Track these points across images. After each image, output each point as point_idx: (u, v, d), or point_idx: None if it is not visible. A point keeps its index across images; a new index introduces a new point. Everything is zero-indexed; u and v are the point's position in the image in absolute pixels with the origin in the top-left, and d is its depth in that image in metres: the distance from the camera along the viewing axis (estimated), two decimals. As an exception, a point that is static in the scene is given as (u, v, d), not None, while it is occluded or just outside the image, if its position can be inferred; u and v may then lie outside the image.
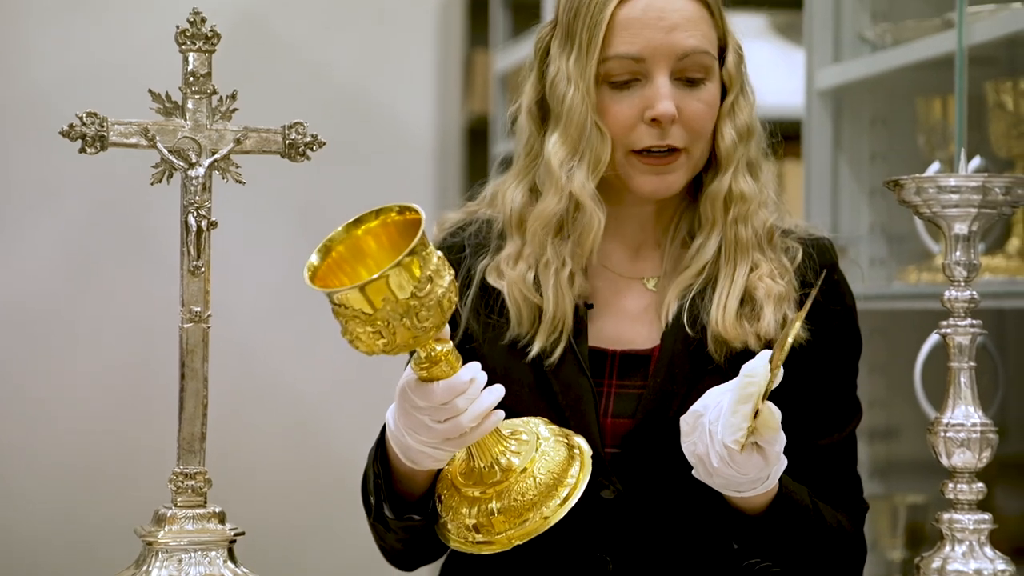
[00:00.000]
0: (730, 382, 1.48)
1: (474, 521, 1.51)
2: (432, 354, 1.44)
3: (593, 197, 1.65)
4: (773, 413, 1.45)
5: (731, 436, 1.44)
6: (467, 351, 1.64)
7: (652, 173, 1.65)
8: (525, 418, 1.58)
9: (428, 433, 1.48)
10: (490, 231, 1.73)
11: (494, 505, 1.50)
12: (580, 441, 1.55)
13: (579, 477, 1.51)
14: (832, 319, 1.68)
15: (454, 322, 1.68)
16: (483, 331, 1.67)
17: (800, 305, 1.63)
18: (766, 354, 1.46)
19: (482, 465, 1.51)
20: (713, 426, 1.46)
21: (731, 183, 1.66)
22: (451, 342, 1.46)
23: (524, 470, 1.50)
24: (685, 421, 1.50)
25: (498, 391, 1.48)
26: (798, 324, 1.46)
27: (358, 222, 1.45)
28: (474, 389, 1.46)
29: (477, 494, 1.51)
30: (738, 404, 1.44)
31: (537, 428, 1.55)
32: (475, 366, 1.48)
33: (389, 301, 1.37)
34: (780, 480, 1.54)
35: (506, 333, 1.66)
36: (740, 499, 1.54)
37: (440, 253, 1.42)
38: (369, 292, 1.36)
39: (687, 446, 1.50)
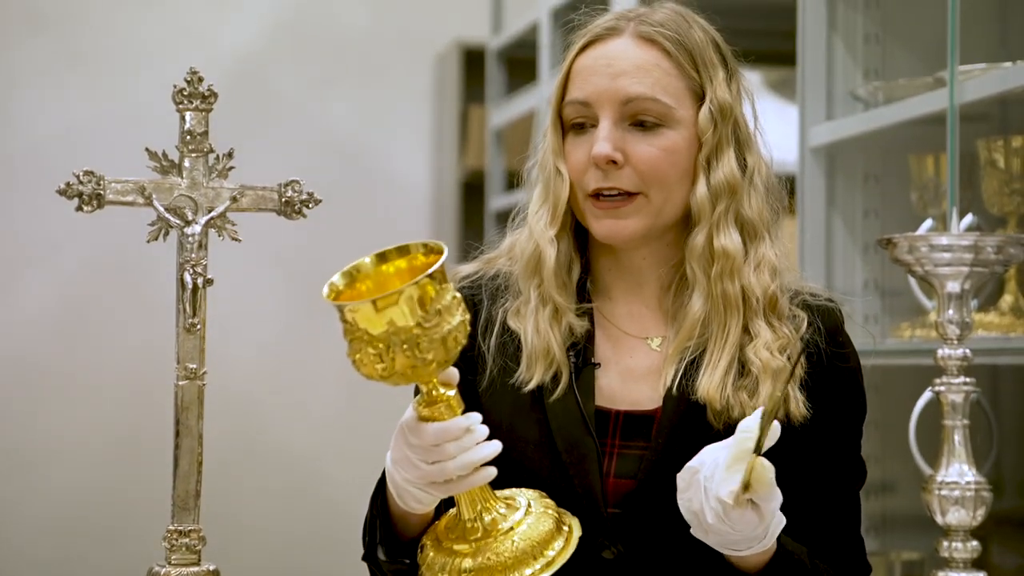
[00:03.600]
0: (727, 439, 1.48)
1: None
2: (433, 393, 1.44)
3: (550, 241, 1.68)
4: (767, 468, 1.44)
5: (725, 489, 1.43)
6: (480, 402, 1.65)
7: (606, 217, 1.66)
8: (525, 489, 1.57)
9: (414, 472, 1.47)
10: (510, 278, 1.74)
11: (467, 563, 1.48)
12: (573, 522, 1.54)
13: (559, 553, 1.49)
14: (836, 381, 1.68)
15: (474, 366, 1.69)
16: (499, 375, 1.68)
17: (797, 371, 1.62)
18: (759, 411, 1.46)
19: (467, 518, 1.50)
20: (708, 482, 1.45)
21: (711, 238, 1.66)
22: (455, 389, 1.46)
23: (506, 532, 1.49)
24: (681, 478, 1.49)
25: (493, 447, 1.47)
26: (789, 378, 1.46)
27: (383, 257, 1.45)
28: (468, 439, 1.45)
29: (455, 548, 1.50)
30: (734, 459, 1.44)
31: (532, 499, 1.54)
32: (476, 417, 1.47)
33: (393, 324, 1.36)
34: (778, 539, 1.53)
35: (515, 374, 1.67)
36: (737, 558, 1.53)
37: (458, 294, 1.42)
38: (379, 306, 1.36)
39: (683, 503, 1.49)
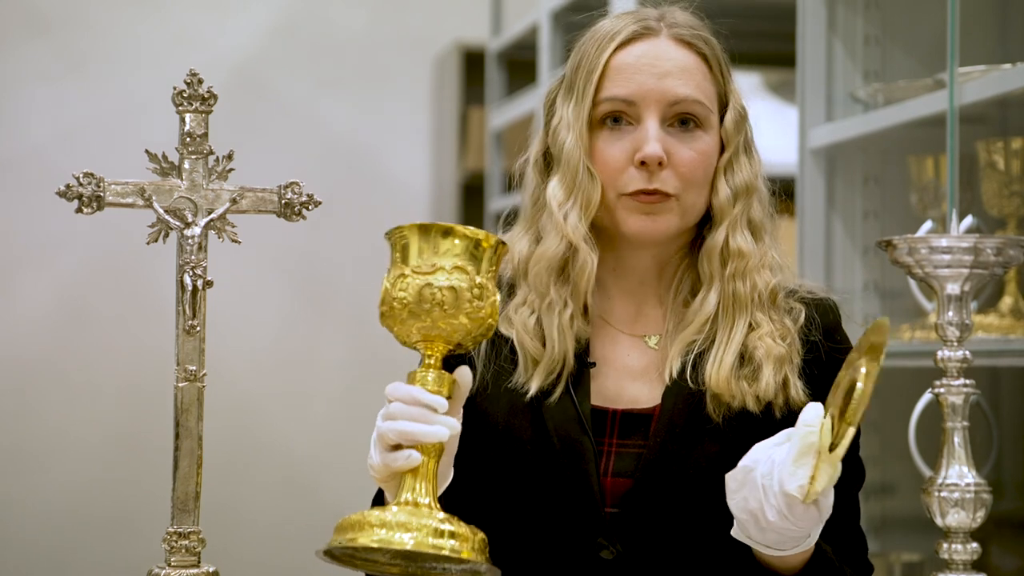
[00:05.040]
0: (776, 437, 1.46)
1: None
2: (429, 360, 1.44)
3: (585, 238, 1.67)
4: (835, 464, 1.42)
5: (794, 484, 1.41)
6: (475, 404, 1.64)
7: (641, 213, 1.66)
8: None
9: (377, 426, 1.46)
10: (502, 280, 1.73)
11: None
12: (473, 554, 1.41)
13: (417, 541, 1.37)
14: (834, 377, 1.68)
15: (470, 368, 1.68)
16: (492, 379, 1.67)
17: (812, 366, 1.62)
18: (817, 405, 1.44)
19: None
20: (767, 479, 1.44)
21: (727, 238, 1.67)
22: (453, 380, 1.44)
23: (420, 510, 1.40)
24: (733, 478, 1.48)
25: (427, 435, 1.41)
26: (875, 373, 1.44)
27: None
28: (418, 411, 1.42)
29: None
30: (800, 454, 1.41)
31: (474, 534, 1.41)
32: (442, 403, 1.43)
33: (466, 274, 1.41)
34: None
35: (512, 378, 1.67)
36: (778, 559, 1.52)
37: (499, 297, 1.46)
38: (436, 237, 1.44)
39: (736, 503, 1.47)
